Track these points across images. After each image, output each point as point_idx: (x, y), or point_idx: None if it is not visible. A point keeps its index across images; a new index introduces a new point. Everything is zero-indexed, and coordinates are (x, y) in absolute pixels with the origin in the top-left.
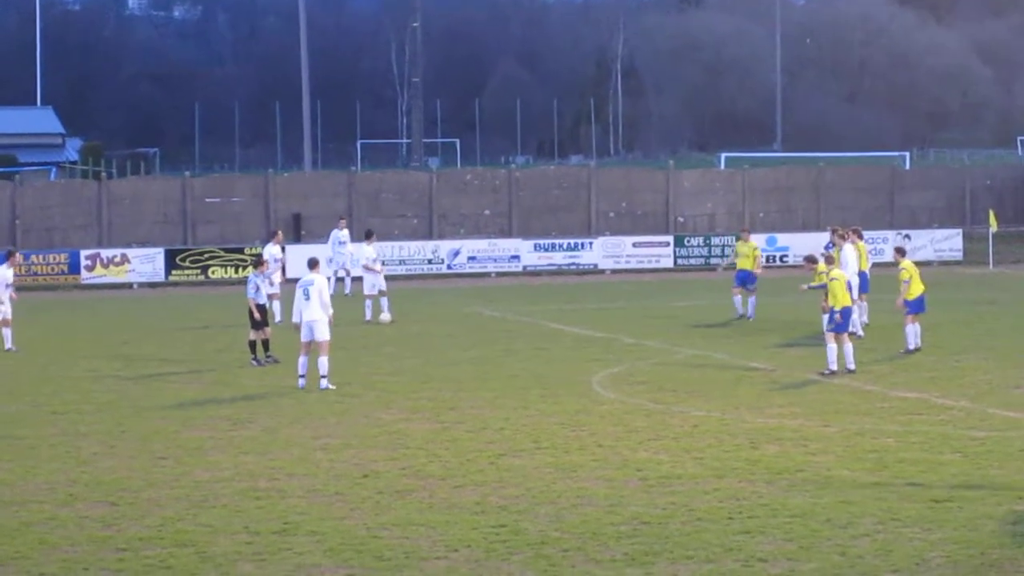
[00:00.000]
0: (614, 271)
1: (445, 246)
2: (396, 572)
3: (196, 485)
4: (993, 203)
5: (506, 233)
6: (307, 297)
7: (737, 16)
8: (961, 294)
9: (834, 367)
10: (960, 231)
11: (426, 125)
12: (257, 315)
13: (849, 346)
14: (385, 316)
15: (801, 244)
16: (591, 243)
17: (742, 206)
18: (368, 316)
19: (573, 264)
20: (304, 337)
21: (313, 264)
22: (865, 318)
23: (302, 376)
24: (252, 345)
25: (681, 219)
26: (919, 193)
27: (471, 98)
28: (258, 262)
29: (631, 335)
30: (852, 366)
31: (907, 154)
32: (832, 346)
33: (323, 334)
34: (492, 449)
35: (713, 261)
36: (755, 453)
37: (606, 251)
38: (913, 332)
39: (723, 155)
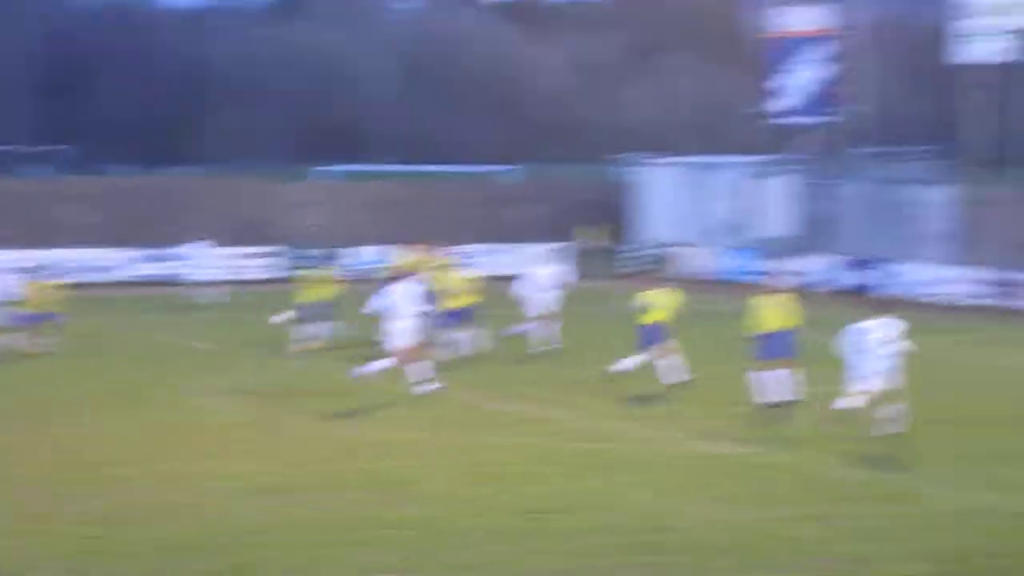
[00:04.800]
0: (222, 282)
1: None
2: None
3: None
4: (592, 218)
5: (108, 243)
6: None
7: (343, 27)
8: (567, 307)
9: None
10: (562, 245)
11: (32, 132)
12: None
13: None
14: None
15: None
16: (191, 254)
17: (348, 218)
18: None
19: (175, 275)
20: None
21: None
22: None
23: None
24: None
25: (286, 231)
26: (523, 207)
27: (77, 105)
28: None
29: (234, 345)
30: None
31: (512, 168)
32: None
33: None
34: (92, 458)
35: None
36: (366, 464)
37: (210, 262)
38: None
39: (327, 167)
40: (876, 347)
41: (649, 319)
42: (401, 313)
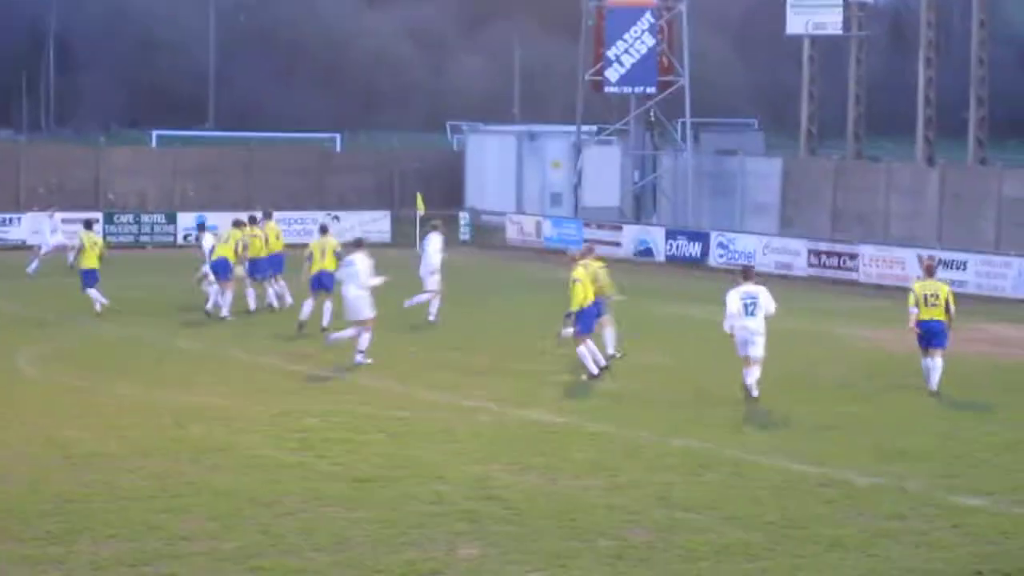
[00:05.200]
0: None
1: None
2: None
3: None
4: (421, 187)
5: None
6: None
7: None
8: (390, 275)
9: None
10: (389, 213)
11: None
12: None
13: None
14: None
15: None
16: (20, 218)
17: (173, 184)
18: None
19: (2, 240)
20: None
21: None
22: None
23: None
24: None
25: (112, 196)
26: (349, 175)
27: None
28: None
29: (58, 312)
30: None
31: (338, 136)
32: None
33: None
34: None
35: (142, 239)
36: (180, 432)
37: (35, 226)
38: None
39: (155, 133)
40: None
41: None
42: (362, 283)
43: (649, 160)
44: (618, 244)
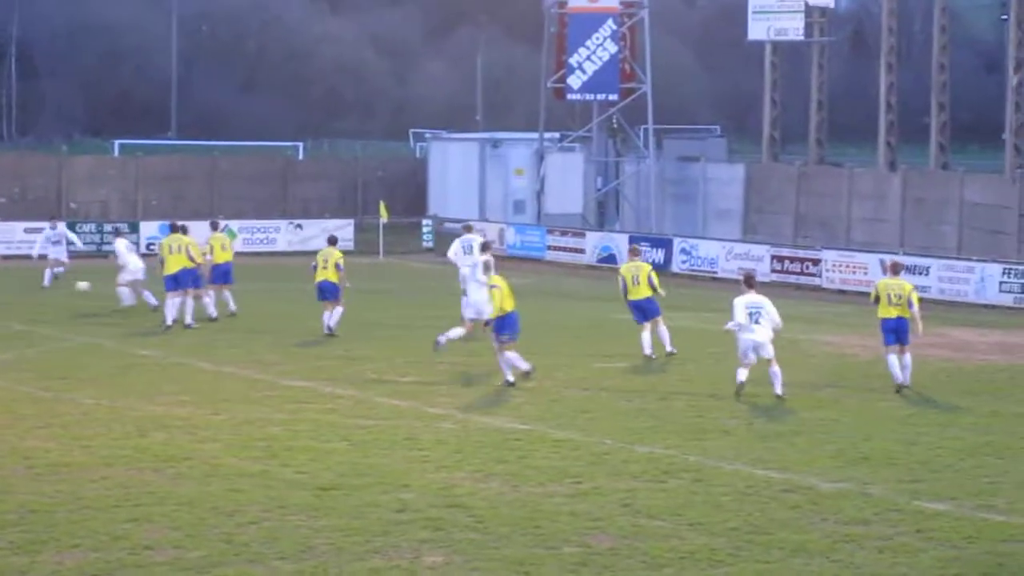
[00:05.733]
0: (5, 257)
1: None
2: None
3: None
4: (385, 194)
5: None
6: None
7: (134, 1)
8: (355, 283)
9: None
10: (352, 221)
11: None
12: None
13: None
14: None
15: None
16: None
17: (135, 193)
18: None
19: None
20: None
21: None
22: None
23: None
24: None
25: (74, 205)
26: (312, 183)
27: None
28: None
29: (21, 322)
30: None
31: (301, 144)
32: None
33: None
34: None
35: (105, 248)
36: (143, 441)
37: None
38: None
39: (117, 142)
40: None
41: None
42: (481, 279)
43: (612, 167)
44: (581, 251)
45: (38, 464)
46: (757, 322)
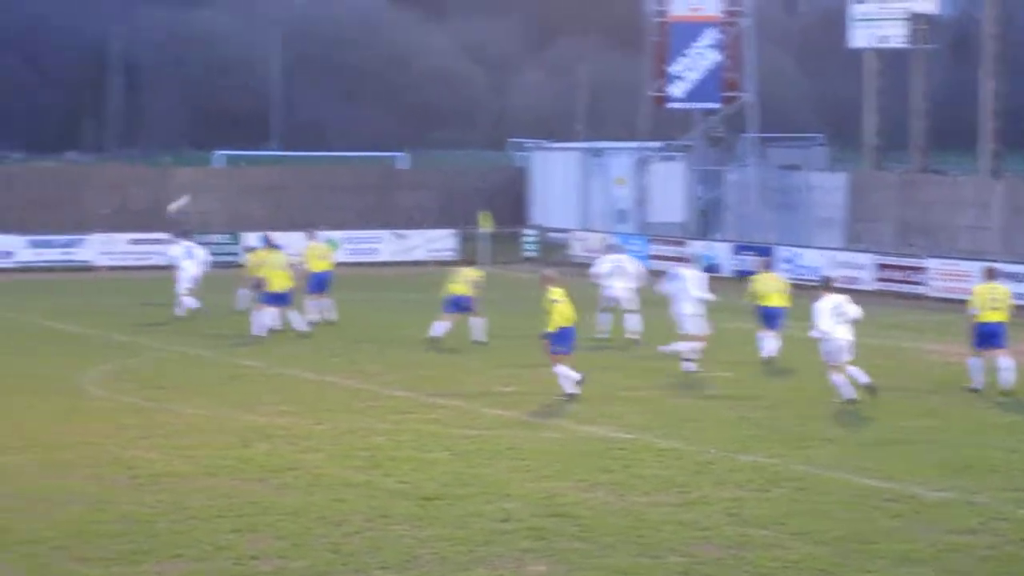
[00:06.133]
0: (110, 268)
1: None
2: None
3: None
4: (485, 204)
5: (1, 228)
6: None
7: (237, 13)
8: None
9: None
10: (453, 231)
11: None
12: None
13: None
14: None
15: (295, 243)
16: (85, 239)
17: (237, 204)
18: None
19: (68, 261)
20: None
21: None
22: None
23: None
24: None
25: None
26: (413, 193)
27: None
28: None
29: (124, 332)
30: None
31: (402, 154)
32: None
33: None
34: None
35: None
36: (246, 451)
37: (102, 248)
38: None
39: (219, 153)
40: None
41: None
42: (694, 297)
43: (714, 175)
44: (684, 260)
45: (141, 474)
46: (842, 323)
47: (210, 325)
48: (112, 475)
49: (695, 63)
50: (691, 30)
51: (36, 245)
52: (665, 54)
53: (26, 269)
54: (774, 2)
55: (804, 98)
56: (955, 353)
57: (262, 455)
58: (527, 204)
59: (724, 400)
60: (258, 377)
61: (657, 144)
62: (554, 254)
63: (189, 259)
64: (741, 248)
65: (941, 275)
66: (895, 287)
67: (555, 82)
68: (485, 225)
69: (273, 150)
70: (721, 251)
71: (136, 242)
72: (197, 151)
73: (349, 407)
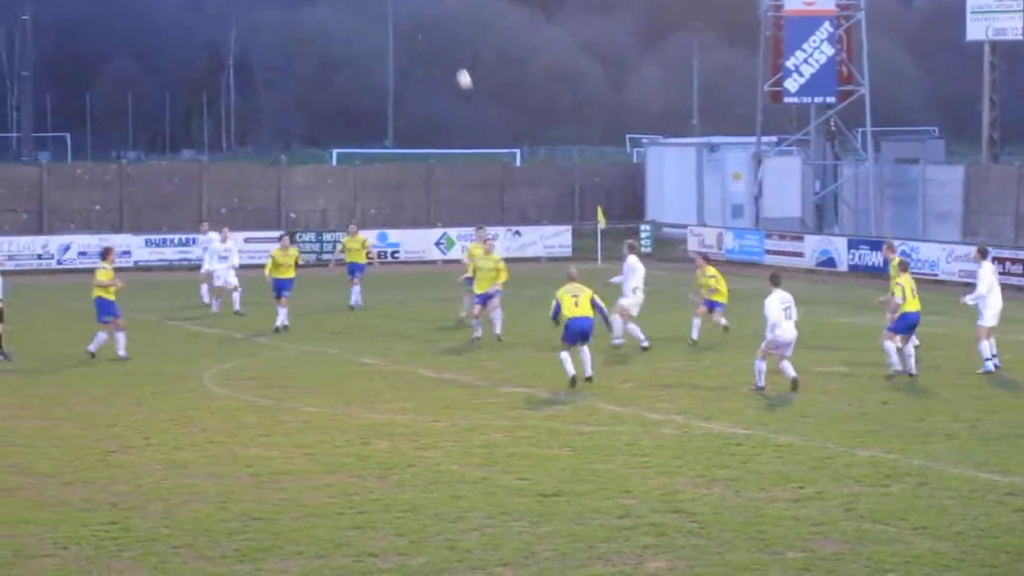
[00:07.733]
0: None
1: (55, 241)
2: (5, 571)
3: None
4: (601, 200)
5: (117, 228)
6: None
7: (349, 12)
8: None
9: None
10: (570, 227)
11: (36, 119)
12: None
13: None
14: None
15: (412, 240)
16: (200, 239)
17: (353, 202)
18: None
19: (185, 260)
20: None
21: None
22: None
23: None
24: None
25: (293, 215)
26: (529, 190)
27: (82, 92)
28: None
29: (242, 331)
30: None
31: (518, 151)
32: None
33: None
34: (102, 446)
35: (325, 257)
36: (365, 449)
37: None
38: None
39: (335, 151)
40: None
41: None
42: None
43: (830, 170)
44: (800, 255)
45: (261, 472)
46: (789, 317)
47: (331, 323)
48: (233, 473)
49: (810, 57)
50: (806, 24)
51: (153, 244)
52: (780, 48)
53: (143, 268)
54: None
55: (920, 91)
56: None
57: (381, 452)
58: (643, 200)
59: (840, 395)
60: (377, 375)
61: (772, 139)
62: (668, 250)
63: (221, 262)
64: (857, 242)
65: None
66: (1014, 280)
67: (670, 78)
68: (601, 221)
69: (389, 148)
70: (837, 245)
71: (251, 240)
72: (311, 149)
73: (467, 404)
